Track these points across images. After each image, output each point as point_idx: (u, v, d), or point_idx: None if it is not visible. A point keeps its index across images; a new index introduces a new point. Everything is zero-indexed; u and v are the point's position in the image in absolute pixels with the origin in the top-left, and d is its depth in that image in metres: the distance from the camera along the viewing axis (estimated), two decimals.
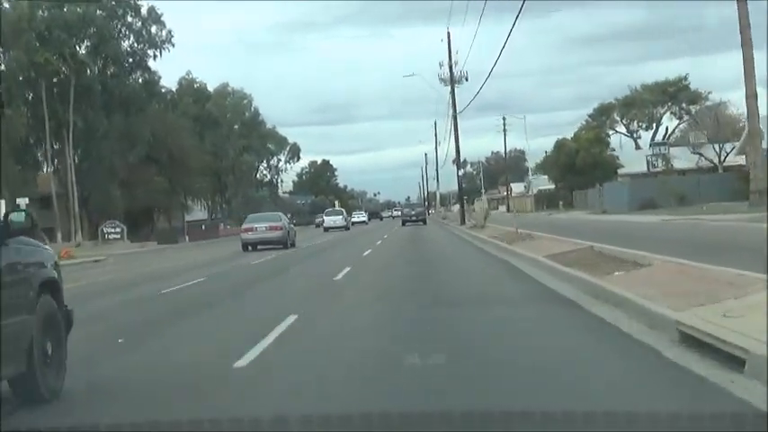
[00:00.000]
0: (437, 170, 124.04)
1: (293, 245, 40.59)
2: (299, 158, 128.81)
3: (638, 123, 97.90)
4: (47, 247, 8.25)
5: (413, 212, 77.64)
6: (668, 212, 45.30)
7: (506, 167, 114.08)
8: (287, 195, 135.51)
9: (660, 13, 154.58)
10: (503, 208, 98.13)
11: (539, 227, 35.96)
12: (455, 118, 56.18)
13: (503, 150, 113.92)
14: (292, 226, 44.35)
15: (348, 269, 21.65)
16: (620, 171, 76.98)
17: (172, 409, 6.94)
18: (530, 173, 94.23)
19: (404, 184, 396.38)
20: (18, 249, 7.24)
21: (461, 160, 62.93)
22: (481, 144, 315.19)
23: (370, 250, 31.74)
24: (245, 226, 40.85)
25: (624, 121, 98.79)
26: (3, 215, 7.46)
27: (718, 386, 6.51)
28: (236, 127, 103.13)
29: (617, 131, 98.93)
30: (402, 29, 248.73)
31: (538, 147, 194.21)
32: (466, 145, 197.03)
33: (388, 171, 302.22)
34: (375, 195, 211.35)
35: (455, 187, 72.93)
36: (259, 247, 38.77)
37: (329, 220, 73.74)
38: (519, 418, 4.82)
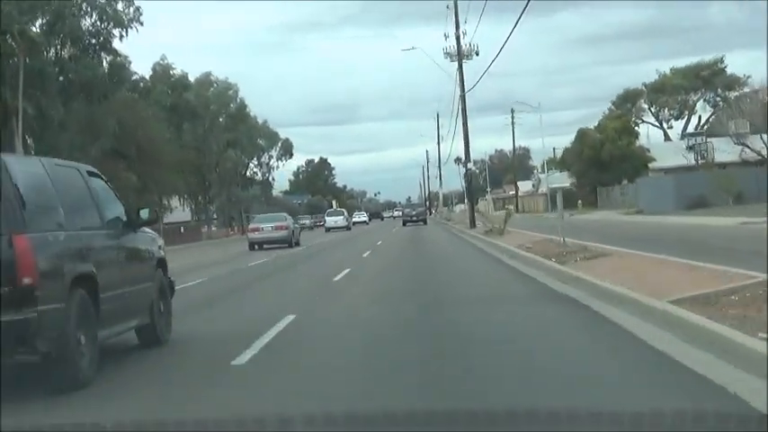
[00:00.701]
0: (440, 167, 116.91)
1: (297, 244, 42.24)
2: (291, 155, 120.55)
3: (668, 111, 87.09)
4: (158, 236, 11.56)
5: (413, 213, 78.75)
6: (730, 213, 36.59)
7: (514, 163, 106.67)
8: (281, 195, 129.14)
9: (665, 12, 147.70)
10: (510, 208, 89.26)
11: (579, 233, 27.32)
12: (463, 99, 46.90)
13: (506, 149, 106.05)
14: (297, 226, 47.00)
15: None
16: (651, 165, 67.51)
17: None
18: (544, 167, 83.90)
19: (405, 185, 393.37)
20: (144, 236, 10.66)
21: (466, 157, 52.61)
22: (483, 145, 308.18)
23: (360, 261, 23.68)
24: (251, 226, 43.77)
25: (652, 109, 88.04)
26: (136, 210, 10.36)
27: None
28: (220, 120, 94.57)
29: (644, 121, 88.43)
30: (404, 29, 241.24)
31: (540, 146, 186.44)
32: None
33: (389, 171, 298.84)
34: (375, 195, 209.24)
35: (457, 187, 64.66)
36: (265, 246, 40.32)
37: (330, 221, 75.65)
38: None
